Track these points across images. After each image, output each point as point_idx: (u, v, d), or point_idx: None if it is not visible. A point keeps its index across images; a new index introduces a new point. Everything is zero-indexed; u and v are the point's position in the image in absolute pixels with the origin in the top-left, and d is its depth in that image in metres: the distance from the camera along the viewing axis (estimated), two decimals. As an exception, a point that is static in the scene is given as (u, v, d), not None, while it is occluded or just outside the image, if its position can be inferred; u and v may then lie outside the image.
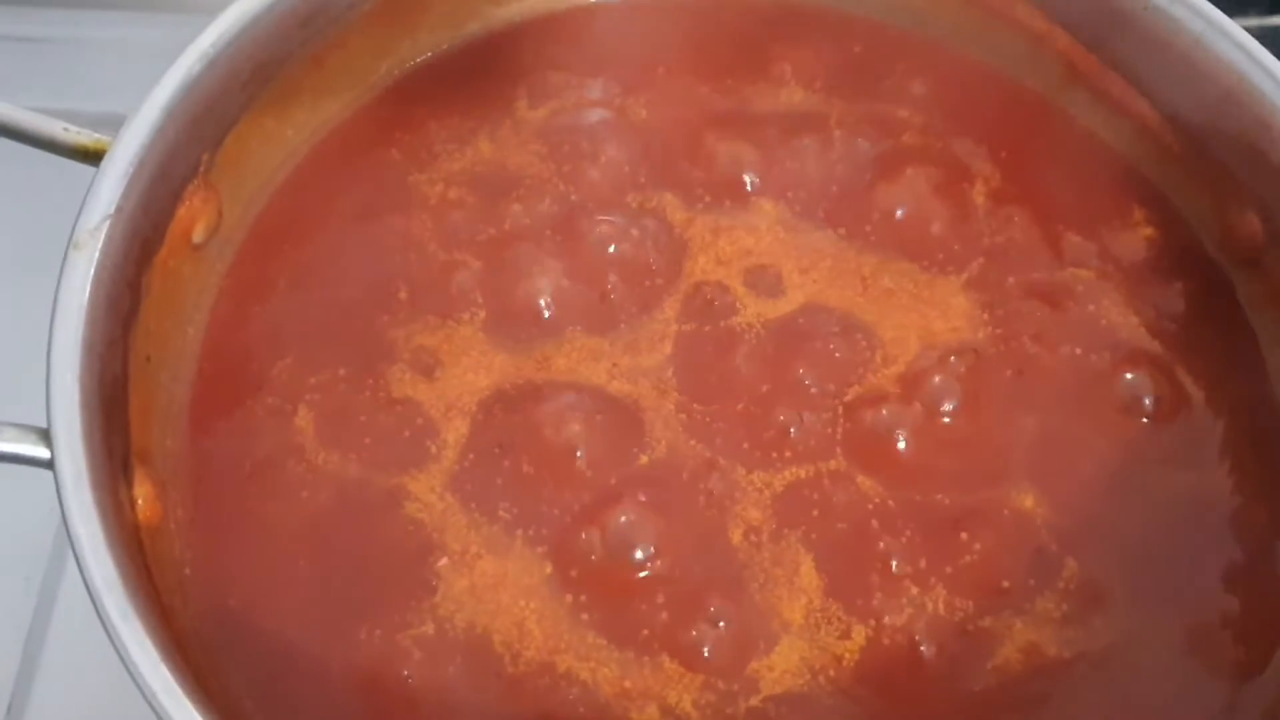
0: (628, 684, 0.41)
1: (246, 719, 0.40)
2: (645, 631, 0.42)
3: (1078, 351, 0.47)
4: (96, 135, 0.44)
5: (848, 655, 0.42)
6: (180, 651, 0.37)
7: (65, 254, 0.40)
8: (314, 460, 0.45)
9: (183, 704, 0.34)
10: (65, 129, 0.44)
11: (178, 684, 0.34)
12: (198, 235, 0.47)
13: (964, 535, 0.43)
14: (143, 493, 0.41)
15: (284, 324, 0.47)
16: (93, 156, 0.43)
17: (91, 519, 0.36)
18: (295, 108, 0.51)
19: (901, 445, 0.45)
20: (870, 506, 0.44)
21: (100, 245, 0.41)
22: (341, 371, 0.46)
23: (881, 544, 0.43)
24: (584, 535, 0.43)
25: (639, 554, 0.43)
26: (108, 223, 0.41)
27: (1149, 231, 0.50)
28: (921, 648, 0.42)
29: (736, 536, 0.44)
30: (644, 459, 0.45)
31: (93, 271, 0.40)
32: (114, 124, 0.43)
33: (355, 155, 0.51)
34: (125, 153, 0.42)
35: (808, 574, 0.43)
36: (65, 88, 0.66)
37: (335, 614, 0.42)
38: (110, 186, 0.42)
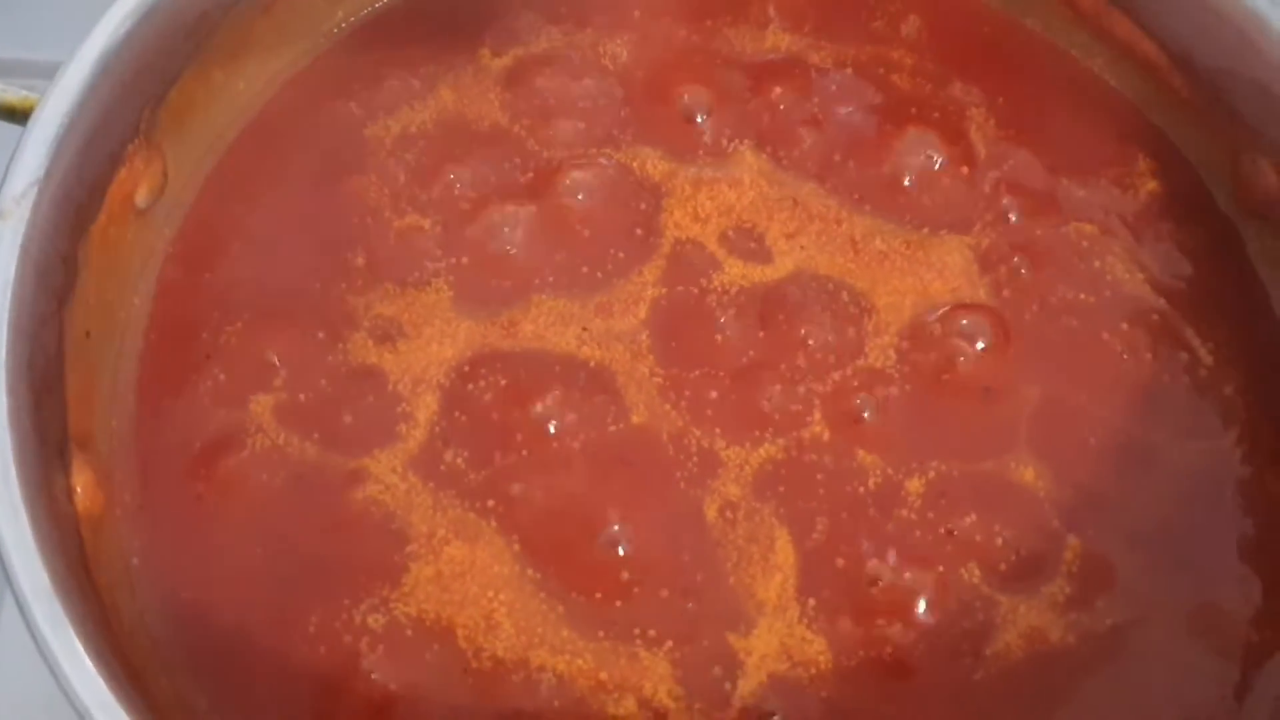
0: (603, 675, 0.39)
1: (200, 718, 0.38)
2: (620, 619, 0.39)
3: (1081, 312, 0.45)
4: (24, 92, 0.41)
5: (833, 641, 0.39)
6: (121, 657, 0.34)
7: (-11, 225, 0.37)
8: (271, 438, 0.42)
9: None
10: (-12, 85, 0.41)
11: (116, 699, 0.31)
12: (141, 199, 0.44)
13: (960, 511, 0.41)
14: (82, 481, 0.39)
15: (237, 292, 0.45)
16: (20, 115, 0.40)
17: (20, 519, 0.33)
18: (245, 59, 0.47)
19: (892, 415, 0.42)
20: (859, 481, 0.42)
21: (27, 215, 0.38)
22: (299, 343, 0.43)
23: (869, 520, 0.41)
24: (553, 516, 0.41)
25: (613, 534, 0.40)
26: (35, 189, 0.38)
27: (1155, 183, 0.48)
28: (913, 634, 0.39)
29: (712, 513, 0.41)
30: (618, 426, 0.42)
31: (19, 244, 0.37)
32: (54, 73, 0.40)
33: (310, 109, 0.48)
34: (54, 112, 0.39)
35: (785, 551, 0.41)
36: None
37: (294, 605, 0.40)
38: (37, 150, 0.39)
